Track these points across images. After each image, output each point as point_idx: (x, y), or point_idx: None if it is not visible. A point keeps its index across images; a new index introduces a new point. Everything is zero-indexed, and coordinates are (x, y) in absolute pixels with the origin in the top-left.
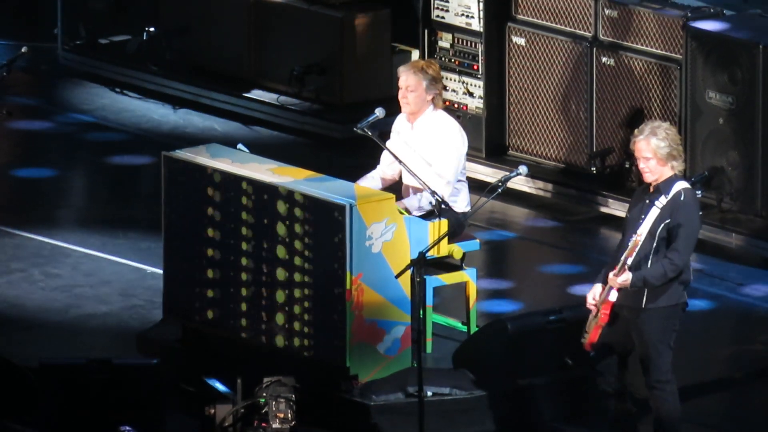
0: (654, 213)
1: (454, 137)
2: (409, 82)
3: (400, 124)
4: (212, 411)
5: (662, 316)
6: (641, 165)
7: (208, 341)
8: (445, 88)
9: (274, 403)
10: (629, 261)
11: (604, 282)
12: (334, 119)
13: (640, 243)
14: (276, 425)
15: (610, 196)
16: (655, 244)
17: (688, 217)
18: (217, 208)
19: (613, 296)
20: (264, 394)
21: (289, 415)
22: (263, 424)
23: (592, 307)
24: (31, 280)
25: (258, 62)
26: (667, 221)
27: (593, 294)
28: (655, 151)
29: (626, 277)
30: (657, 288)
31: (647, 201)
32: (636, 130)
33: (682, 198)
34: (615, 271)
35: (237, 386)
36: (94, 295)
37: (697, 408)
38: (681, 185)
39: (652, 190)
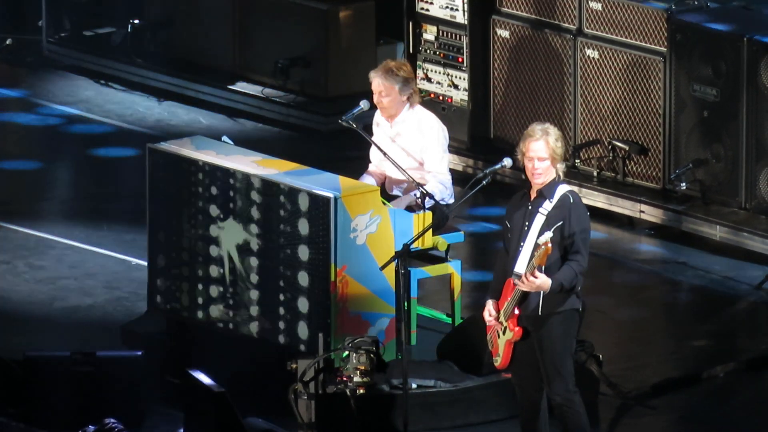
0: (540, 219)
1: (437, 133)
2: (381, 87)
3: (380, 116)
4: (294, 365)
5: (561, 320)
6: (535, 165)
7: (193, 333)
8: (429, 80)
9: (355, 355)
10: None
11: (495, 298)
12: (318, 111)
13: (550, 249)
14: (357, 378)
15: (593, 188)
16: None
17: (580, 220)
18: (202, 200)
19: (516, 310)
20: (345, 348)
21: (370, 367)
22: (344, 378)
23: (496, 324)
24: (16, 272)
25: (243, 54)
26: (559, 224)
27: (490, 311)
28: (552, 151)
29: (545, 280)
30: (552, 296)
31: (530, 207)
32: (526, 132)
33: (571, 201)
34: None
35: (319, 341)
36: (78, 288)
37: (681, 400)
38: (565, 188)
39: (533, 196)
